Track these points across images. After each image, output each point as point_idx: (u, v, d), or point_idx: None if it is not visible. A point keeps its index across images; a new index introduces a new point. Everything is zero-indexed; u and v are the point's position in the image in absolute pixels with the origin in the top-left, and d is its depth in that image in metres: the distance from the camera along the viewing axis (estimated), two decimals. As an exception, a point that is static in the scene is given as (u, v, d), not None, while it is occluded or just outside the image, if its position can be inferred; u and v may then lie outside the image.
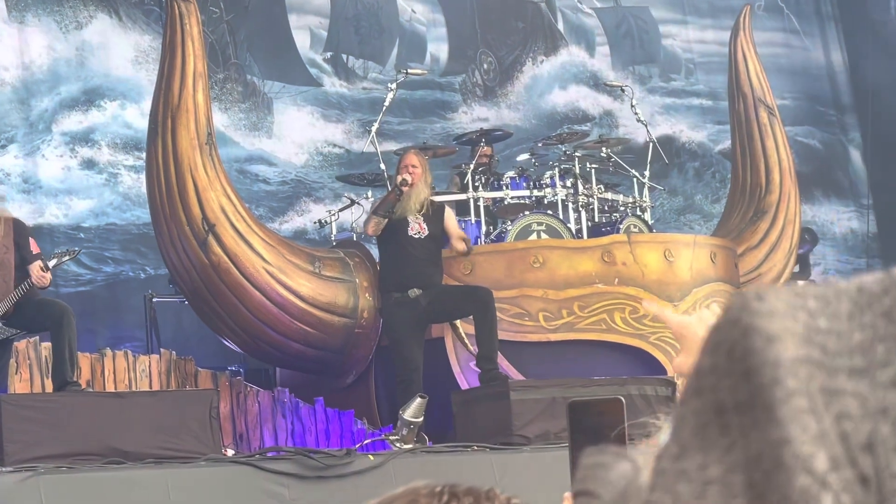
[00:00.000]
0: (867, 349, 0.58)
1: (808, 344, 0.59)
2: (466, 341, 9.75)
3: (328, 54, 14.71)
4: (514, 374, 9.79)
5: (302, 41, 14.56)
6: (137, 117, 13.02)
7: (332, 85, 14.60)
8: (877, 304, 0.59)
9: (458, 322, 9.81)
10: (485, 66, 15.47)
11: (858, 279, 0.61)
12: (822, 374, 0.58)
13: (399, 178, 9.54)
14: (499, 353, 9.45)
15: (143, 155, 12.85)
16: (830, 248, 16.05)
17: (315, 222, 12.15)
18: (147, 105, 12.83)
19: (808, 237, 13.62)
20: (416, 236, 9.44)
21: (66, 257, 9.21)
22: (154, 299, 11.57)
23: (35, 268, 8.58)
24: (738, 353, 0.59)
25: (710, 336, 0.61)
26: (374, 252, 10.21)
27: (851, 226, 16.65)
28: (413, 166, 9.55)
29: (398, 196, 9.47)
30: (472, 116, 14.96)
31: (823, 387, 0.58)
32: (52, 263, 8.80)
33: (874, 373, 0.58)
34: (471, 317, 9.46)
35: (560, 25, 16.02)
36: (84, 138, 13.01)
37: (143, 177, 12.84)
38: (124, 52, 13.34)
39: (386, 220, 9.44)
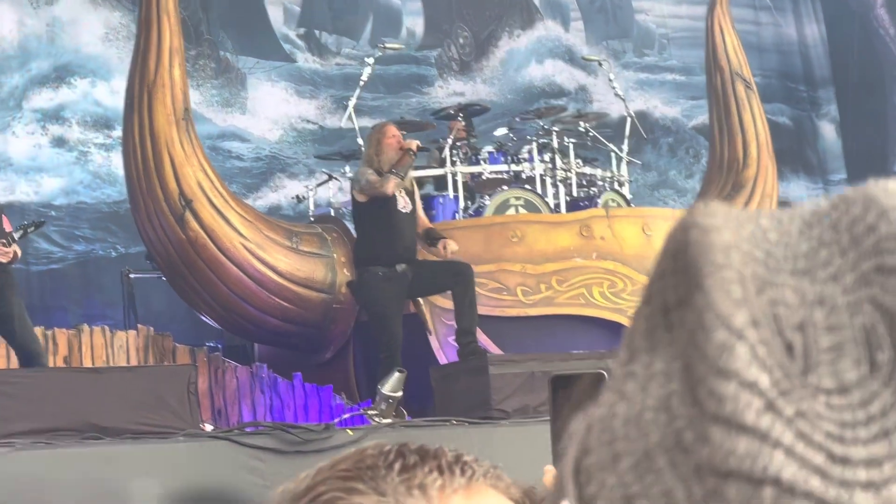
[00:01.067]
0: (811, 254, 0.60)
1: (750, 244, 0.60)
2: (429, 317, 9.75)
3: (301, 30, 14.65)
4: (493, 349, 9.80)
5: (275, 16, 14.51)
6: (107, 95, 12.98)
7: (306, 61, 14.55)
8: (824, 218, 0.62)
9: (427, 298, 9.81)
10: (460, 40, 15.44)
11: (813, 201, 0.64)
12: (761, 268, 0.60)
13: (413, 144, 9.49)
14: (478, 327, 9.45)
15: (113, 133, 12.85)
16: (802, 225, 16.11)
17: (293, 197, 12.12)
18: (117, 83, 12.80)
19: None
20: (404, 210, 9.41)
21: (32, 228, 9.18)
22: (131, 275, 11.54)
23: None
24: (680, 250, 0.61)
25: (662, 245, 0.63)
26: (352, 228, 10.19)
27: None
28: (398, 136, 9.53)
29: (412, 160, 9.45)
30: (447, 91, 14.93)
31: (758, 274, 0.59)
32: (17, 235, 8.78)
33: (815, 272, 0.60)
34: (449, 292, 9.46)
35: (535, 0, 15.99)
36: (55, 116, 12.96)
37: (113, 155, 12.82)
38: (94, 28, 13.27)
39: (401, 181, 9.38)
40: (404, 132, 10.77)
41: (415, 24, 15.26)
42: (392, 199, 9.33)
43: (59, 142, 12.90)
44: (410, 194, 9.53)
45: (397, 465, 1.09)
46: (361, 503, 1.06)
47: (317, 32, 14.72)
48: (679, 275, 0.61)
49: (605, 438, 0.61)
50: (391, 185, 9.25)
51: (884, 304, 0.58)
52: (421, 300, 9.87)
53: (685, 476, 0.58)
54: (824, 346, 0.58)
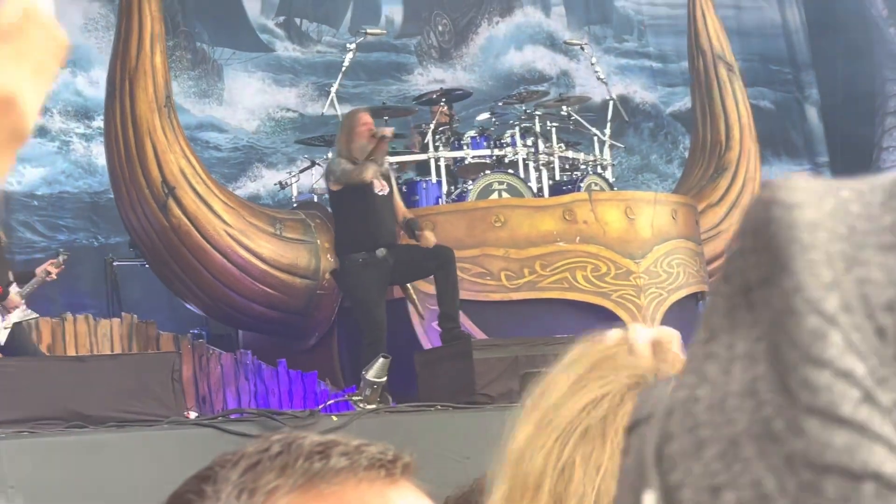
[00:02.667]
0: (894, 229, 0.59)
1: (834, 220, 0.59)
2: (417, 302, 9.75)
3: (281, 18, 14.63)
4: (477, 333, 9.80)
5: (252, 7, 14.49)
6: (87, 85, 12.97)
7: (286, 49, 14.53)
8: None
9: (409, 283, 9.81)
10: (440, 27, 15.42)
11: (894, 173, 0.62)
12: (846, 245, 0.58)
13: (388, 131, 9.50)
14: (462, 312, 9.44)
15: (93, 123, 12.83)
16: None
17: (276, 184, 12.11)
18: (96, 73, 12.78)
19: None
20: (381, 193, 9.39)
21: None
22: (115, 263, 11.52)
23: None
24: (762, 227, 0.59)
25: (740, 222, 0.62)
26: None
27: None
28: (371, 124, 9.53)
29: (386, 145, 9.45)
30: (427, 78, 14.91)
31: (845, 252, 0.58)
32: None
33: None
34: (432, 276, 9.45)
35: (516, -14, 15.99)
36: (36, 106, 12.95)
37: (93, 145, 12.80)
38: (74, 19, 13.25)
39: (379, 168, 9.37)
40: (387, 118, 10.77)
41: (394, 12, 15.24)
42: (369, 184, 9.31)
43: (41, 131, 12.88)
44: (387, 178, 9.51)
45: (242, 465, 1.07)
46: None
47: (297, 20, 14.70)
48: (761, 253, 0.59)
49: (687, 424, 0.59)
50: (370, 172, 9.23)
51: None
52: (409, 286, 9.86)
53: (776, 467, 0.56)
54: None
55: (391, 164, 9.84)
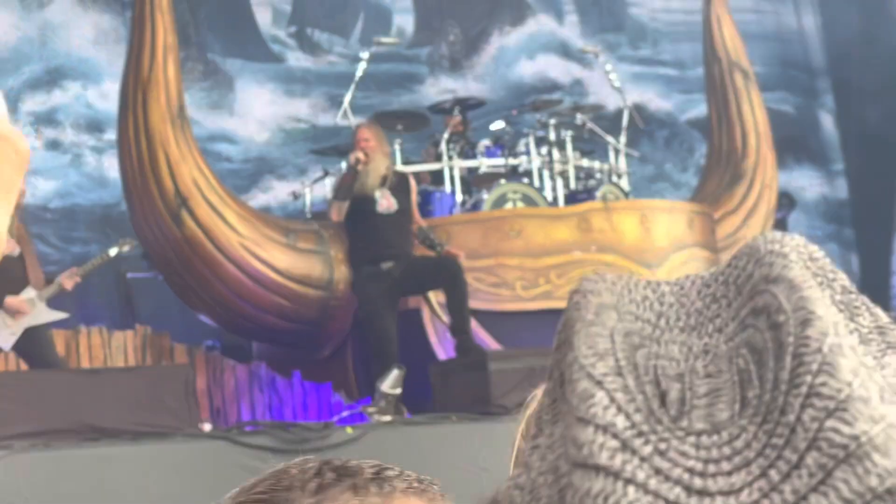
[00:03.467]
0: (703, 310, 0.64)
1: (640, 308, 0.64)
2: (440, 311, 9.71)
3: (293, 28, 14.61)
4: (492, 344, 9.76)
5: (263, 17, 14.48)
6: (98, 98, 12.99)
7: (297, 60, 14.51)
8: (720, 275, 0.65)
9: (430, 293, 9.78)
10: (451, 37, 15.39)
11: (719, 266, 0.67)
12: (648, 327, 0.63)
13: (352, 158, 9.48)
14: (477, 322, 9.40)
15: (105, 136, 12.83)
16: (803, 215, 16.01)
17: (290, 194, 12.08)
18: (107, 86, 12.79)
19: (786, 201, 13.59)
20: (386, 212, 9.39)
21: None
22: (128, 275, 11.50)
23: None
24: (567, 321, 0.64)
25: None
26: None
27: (823, 192, 16.63)
28: (365, 140, 9.49)
29: (354, 176, 9.41)
30: (438, 89, 14.87)
31: (641, 332, 0.62)
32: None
33: (705, 326, 0.63)
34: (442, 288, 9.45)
35: (528, -6, 15.94)
36: (48, 118, 12.98)
37: (105, 158, 12.81)
38: (85, 32, 13.26)
39: (347, 202, 9.39)
40: (400, 127, 10.73)
41: (405, 22, 15.21)
42: (371, 202, 9.35)
43: (54, 144, 12.89)
44: (399, 192, 9.49)
45: (312, 486, 1.14)
46: None
47: (308, 31, 14.68)
48: (566, 345, 0.63)
49: None
50: (333, 212, 9.52)
51: (753, 342, 0.60)
52: (430, 296, 9.84)
53: None
54: (701, 392, 0.60)
55: (396, 172, 9.81)
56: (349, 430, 7.96)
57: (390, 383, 8.42)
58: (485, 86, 15.09)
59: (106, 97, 12.85)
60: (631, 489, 0.57)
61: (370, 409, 8.53)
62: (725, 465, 0.58)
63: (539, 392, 1.89)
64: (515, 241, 10.20)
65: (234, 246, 9.74)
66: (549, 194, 10.74)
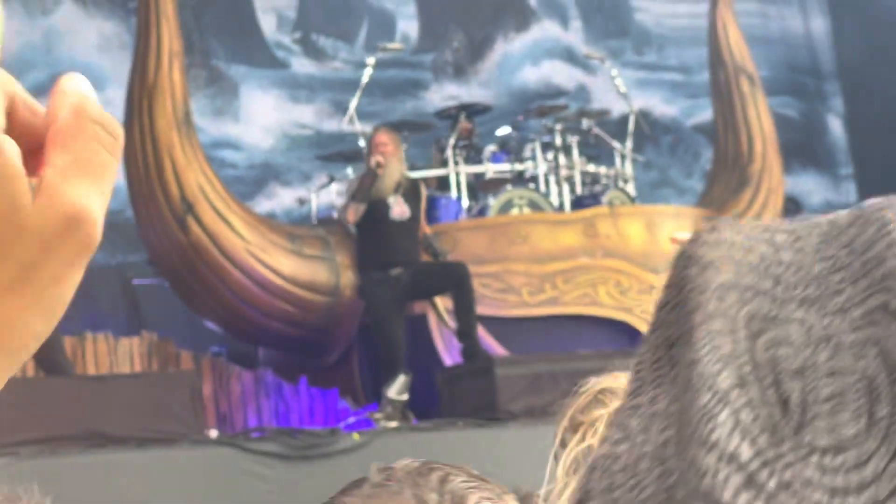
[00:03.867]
0: (823, 279, 0.59)
1: (757, 274, 0.59)
2: (446, 317, 9.70)
3: (297, 34, 14.61)
4: (499, 350, 9.75)
5: (268, 23, 14.48)
6: (102, 105, 12.99)
7: (301, 66, 14.51)
8: (842, 236, 0.60)
9: (436, 299, 9.77)
10: (455, 43, 15.38)
11: (834, 213, 0.62)
12: (767, 302, 0.59)
13: (372, 161, 9.46)
14: (483, 328, 9.40)
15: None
16: (809, 221, 15.99)
17: (296, 199, 12.08)
18: (111, 92, 12.78)
19: (793, 206, 13.58)
20: (399, 219, 9.38)
21: None
22: (134, 281, 11.50)
23: None
24: (680, 284, 0.60)
25: (668, 271, 0.63)
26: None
27: (828, 197, 16.60)
28: (383, 144, 9.49)
29: (374, 179, 9.39)
30: (443, 95, 14.86)
31: (760, 312, 0.58)
32: None
33: (826, 301, 0.58)
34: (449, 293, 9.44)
35: (532, 1, 15.92)
36: (52, 126, 12.99)
37: (107, 165, 12.85)
38: (89, 38, 13.27)
39: (364, 205, 9.37)
40: (406, 132, 10.72)
41: (409, 28, 15.21)
42: (385, 208, 9.33)
43: (58, 152, 12.91)
44: (411, 199, 9.48)
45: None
46: None
47: (313, 36, 14.68)
48: (679, 311, 0.60)
49: (604, 484, 0.60)
50: (349, 214, 9.44)
51: (886, 349, 0.56)
52: (437, 302, 9.83)
53: None
54: (824, 394, 0.56)
55: (408, 179, 9.80)
56: (356, 436, 7.95)
57: (397, 389, 8.42)
58: (489, 92, 15.07)
59: (110, 104, 12.82)
60: None
61: (377, 416, 8.52)
62: (852, 500, 0.54)
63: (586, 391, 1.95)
64: (522, 247, 10.19)
65: (240, 252, 9.73)
66: (555, 200, 10.73)
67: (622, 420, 0.61)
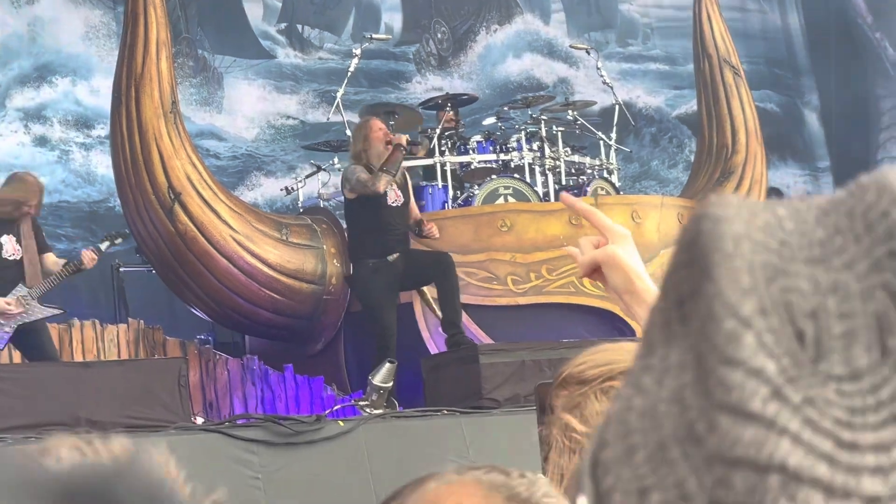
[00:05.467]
0: (826, 242, 0.62)
1: (765, 233, 0.62)
2: (434, 306, 9.75)
3: (283, 25, 14.62)
4: (484, 338, 9.79)
5: (255, 13, 14.47)
6: (87, 94, 12.98)
7: (287, 56, 14.51)
8: (841, 206, 0.63)
9: (424, 287, 9.81)
10: (438, 35, 15.40)
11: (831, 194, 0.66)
12: (775, 257, 0.61)
13: (404, 138, 9.51)
14: (468, 317, 9.44)
15: (93, 132, 12.84)
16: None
17: (282, 189, 12.11)
18: (97, 81, 12.79)
19: (775, 198, 13.61)
20: (394, 205, 9.42)
21: (119, 239, 9.49)
22: (121, 269, 11.52)
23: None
24: (693, 241, 0.63)
25: (677, 239, 0.65)
26: (342, 219, 10.18)
27: (807, 190, 16.65)
28: (385, 132, 9.54)
29: (402, 154, 9.44)
30: (426, 86, 14.88)
31: (771, 263, 0.61)
32: (104, 246, 9.08)
33: (830, 259, 0.61)
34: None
35: (515, -8, 15.95)
36: (36, 115, 12.96)
37: (92, 154, 12.81)
38: (75, 27, 13.25)
39: (394, 176, 9.40)
40: (392, 122, 10.76)
41: (393, 19, 15.22)
42: (382, 195, 9.33)
43: (41, 141, 12.89)
44: (403, 187, 9.54)
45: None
46: None
47: (299, 27, 14.68)
48: (691, 266, 0.62)
49: (621, 431, 0.62)
50: (382, 184, 9.28)
51: (893, 287, 0.59)
52: (425, 290, 9.87)
53: (697, 466, 0.58)
54: (837, 332, 0.59)
55: (408, 169, 9.86)
56: (341, 423, 7.99)
57: (382, 377, 8.45)
58: (472, 84, 15.10)
59: (95, 93, 12.86)
60: (785, 441, 0.57)
61: (362, 403, 8.56)
62: (872, 418, 0.57)
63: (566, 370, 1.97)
64: (507, 236, 10.23)
65: (227, 240, 9.77)
66: (540, 189, 10.78)
67: (634, 380, 0.63)
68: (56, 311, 9.02)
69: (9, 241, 8.75)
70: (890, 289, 0.59)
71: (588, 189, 10.73)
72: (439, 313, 9.61)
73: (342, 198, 9.82)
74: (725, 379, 0.57)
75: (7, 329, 8.68)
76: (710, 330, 0.59)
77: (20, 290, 8.72)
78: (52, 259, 9.04)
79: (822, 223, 0.62)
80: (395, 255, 9.32)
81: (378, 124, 9.62)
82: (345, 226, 10.02)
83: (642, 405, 0.61)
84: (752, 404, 0.57)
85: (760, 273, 0.60)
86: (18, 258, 8.71)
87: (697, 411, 0.58)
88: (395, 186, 9.43)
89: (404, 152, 9.48)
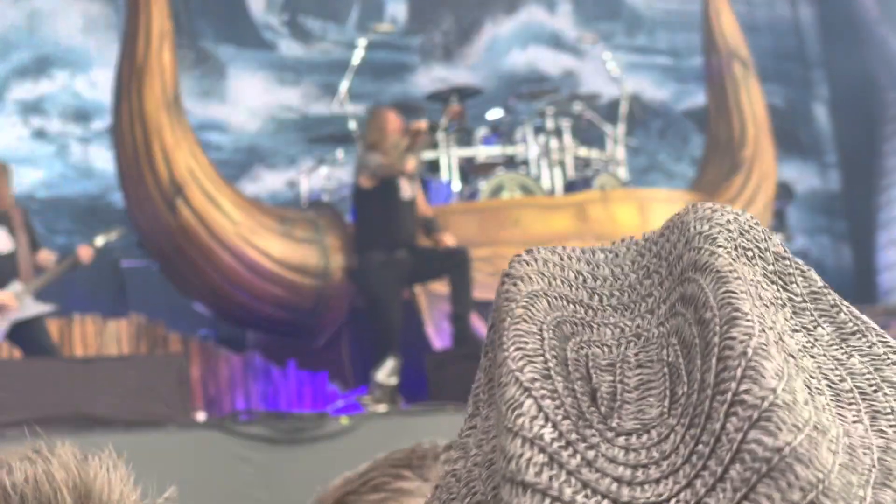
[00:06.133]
0: (636, 286, 0.63)
1: (571, 287, 0.63)
2: (438, 301, 9.68)
3: (286, 16, 14.54)
4: (489, 333, 9.71)
5: (256, 5, 14.39)
6: (86, 87, 12.92)
7: (289, 48, 14.43)
8: (654, 246, 0.64)
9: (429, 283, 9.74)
10: (444, 26, 15.32)
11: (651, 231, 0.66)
12: (581, 309, 0.62)
13: (424, 123, 9.45)
14: (474, 312, 9.37)
15: (92, 126, 12.76)
16: (794, 208, 15.97)
17: (287, 182, 12.04)
18: (96, 74, 12.70)
19: (785, 192, 13.54)
20: (407, 198, 9.32)
21: (114, 236, 9.42)
22: (123, 263, 11.45)
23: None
24: (495, 302, 0.62)
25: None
26: (345, 213, 10.10)
27: (814, 184, 16.57)
28: (401, 120, 9.48)
29: (425, 140, 9.39)
30: (431, 78, 14.79)
31: (574, 318, 0.62)
32: (99, 242, 9.04)
33: (637, 305, 0.62)
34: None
35: (522, -17, 15.87)
36: (35, 108, 12.90)
37: (91, 148, 12.74)
38: (74, 19, 13.18)
39: (419, 159, 9.35)
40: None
41: (398, 10, 15.14)
42: (396, 187, 9.23)
43: (40, 134, 12.82)
44: (414, 180, 9.46)
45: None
46: (405, 487, 1.24)
47: (301, 18, 14.60)
48: (492, 330, 0.62)
49: (443, 498, 0.63)
50: (411, 163, 9.18)
51: (683, 334, 0.60)
52: (417, 287, 9.79)
53: None
54: (632, 384, 0.59)
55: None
56: (344, 420, 7.91)
57: (386, 373, 8.38)
58: (477, 75, 15.01)
59: (94, 86, 12.77)
60: None
61: (365, 399, 8.49)
62: (654, 472, 0.57)
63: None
64: (513, 231, 10.15)
65: (230, 234, 9.69)
66: (546, 183, 10.69)
67: (461, 441, 0.64)
68: (50, 309, 8.93)
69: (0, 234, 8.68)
70: (681, 336, 0.60)
71: (595, 183, 10.64)
72: (427, 313, 9.53)
73: (345, 192, 9.73)
74: (506, 449, 0.57)
75: (2, 324, 8.60)
76: (498, 397, 0.59)
77: (16, 286, 8.63)
78: (44, 255, 8.94)
79: (637, 265, 0.64)
80: (402, 252, 9.22)
81: (394, 115, 9.52)
82: (349, 220, 9.93)
83: (462, 469, 0.62)
84: (528, 474, 0.56)
85: (551, 334, 0.60)
86: (11, 251, 8.61)
87: (499, 478, 0.58)
88: (407, 179, 9.32)
89: (426, 138, 9.39)
